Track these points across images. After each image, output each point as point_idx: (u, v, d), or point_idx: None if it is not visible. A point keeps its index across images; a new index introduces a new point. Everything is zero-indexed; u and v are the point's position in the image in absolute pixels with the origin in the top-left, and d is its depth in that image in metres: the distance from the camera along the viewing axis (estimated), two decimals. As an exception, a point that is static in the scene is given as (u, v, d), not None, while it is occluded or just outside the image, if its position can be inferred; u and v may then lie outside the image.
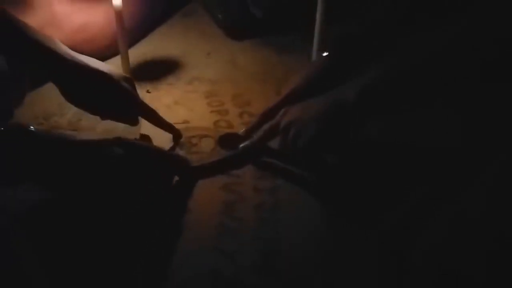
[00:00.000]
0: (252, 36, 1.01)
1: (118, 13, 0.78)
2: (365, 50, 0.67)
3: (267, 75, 0.90)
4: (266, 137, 0.69)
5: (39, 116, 0.79)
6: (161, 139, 0.73)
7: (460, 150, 0.61)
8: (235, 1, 1.02)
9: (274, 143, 0.70)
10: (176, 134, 0.74)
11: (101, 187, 0.56)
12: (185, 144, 0.73)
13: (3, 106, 0.70)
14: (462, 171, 0.57)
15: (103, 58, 0.83)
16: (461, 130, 0.64)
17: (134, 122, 0.70)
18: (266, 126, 0.69)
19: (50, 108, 0.80)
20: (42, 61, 0.60)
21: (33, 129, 0.55)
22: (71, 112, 0.78)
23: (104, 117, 0.68)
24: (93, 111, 0.67)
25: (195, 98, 0.84)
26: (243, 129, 0.74)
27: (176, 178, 0.67)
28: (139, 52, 0.96)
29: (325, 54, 0.72)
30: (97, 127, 0.75)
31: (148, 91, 0.85)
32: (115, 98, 0.66)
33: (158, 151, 0.66)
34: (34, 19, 0.78)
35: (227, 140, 0.74)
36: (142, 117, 0.71)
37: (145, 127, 0.73)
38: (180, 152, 0.72)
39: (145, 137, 0.73)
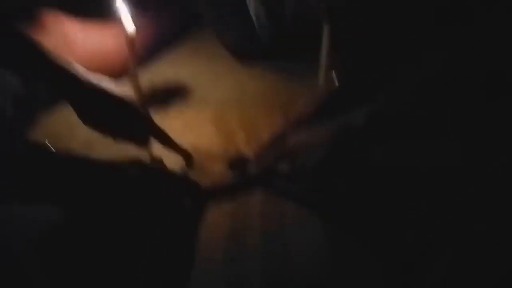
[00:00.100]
0: (260, 61, 1.02)
1: (131, 40, 0.79)
2: (372, 77, 0.68)
3: (275, 99, 0.91)
4: (275, 161, 0.70)
5: (50, 137, 0.79)
6: (171, 160, 0.73)
7: (460, 170, 0.62)
8: (243, 26, 1.03)
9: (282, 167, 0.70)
10: (188, 157, 0.74)
11: (115, 207, 0.57)
12: (194, 168, 0.74)
13: (16, 126, 0.70)
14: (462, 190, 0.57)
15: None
16: (461, 151, 0.65)
17: (145, 144, 0.70)
18: (275, 150, 0.70)
19: (61, 129, 0.81)
20: (59, 81, 0.61)
21: (50, 146, 0.56)
22: (83, 134, 0.79)
23: (116, 139, 0.68)
24: (106, 132, 0.67)
25: (204, 121, 0.85)
26: (252, 153, 0.74)
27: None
28: (148, 76, 0.97)
29: (334, 72, 0.73)
30: (109, 149, 0.75)
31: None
32: (130, 119, 0.66)
33: (171, 174, 0.66)
34: (47, 42, 0.79)
35: (236, 164, 0.74)
36: (155, 139, 0.72)
37: (156, 148, 0.74)
38: (190, 175, 0.72)
39: (158, 160, 0.74)
